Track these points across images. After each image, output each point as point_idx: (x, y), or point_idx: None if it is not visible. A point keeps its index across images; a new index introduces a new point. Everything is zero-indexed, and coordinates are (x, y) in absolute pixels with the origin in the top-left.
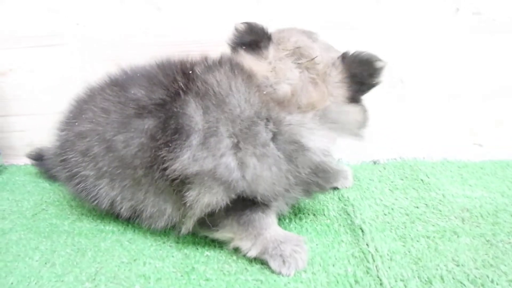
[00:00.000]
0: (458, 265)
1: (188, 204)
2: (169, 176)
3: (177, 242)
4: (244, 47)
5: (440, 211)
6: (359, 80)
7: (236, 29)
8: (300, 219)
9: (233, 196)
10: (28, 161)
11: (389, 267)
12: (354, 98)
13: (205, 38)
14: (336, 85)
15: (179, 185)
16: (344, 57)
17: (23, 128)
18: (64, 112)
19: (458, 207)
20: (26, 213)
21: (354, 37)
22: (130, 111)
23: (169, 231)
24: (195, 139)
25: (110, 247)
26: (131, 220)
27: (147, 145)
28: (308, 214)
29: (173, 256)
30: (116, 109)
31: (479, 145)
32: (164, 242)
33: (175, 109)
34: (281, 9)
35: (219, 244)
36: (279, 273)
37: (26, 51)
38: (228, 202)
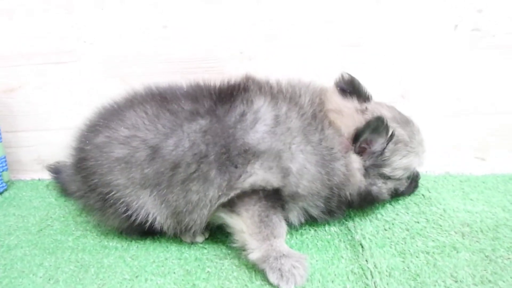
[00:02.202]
0: (456, 281)
1: (242, 176)
2: (236, 150)
3: (179, 259)
4: (338, 87)
5: (441, 226)
6: (360, 130)
7: (342, 76)
8: (301, 234)
9: (280, 184)
10: (35, 176)
11: (387, 284)
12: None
13: (211, 55)
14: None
15: (245, 158)
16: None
17: (31, 143)
18: (92, 119)
19: (458, 222)
20: (31, 228)
21: (358, 54)
22: (180, 118)
23: (171, 248)
24: (261, 127)
25: (113, 264)
26: (166, 228)
27: (200, 139)
28: (310, 230)
29: (174, 273)
30: (164, 116)
31: (482, 159)
32: (166, 259)
33: (237, 102)
34: (280, 9)
35: (220, 261)
36: (278, 286)
37: (34, 68)
38: (272, 188)
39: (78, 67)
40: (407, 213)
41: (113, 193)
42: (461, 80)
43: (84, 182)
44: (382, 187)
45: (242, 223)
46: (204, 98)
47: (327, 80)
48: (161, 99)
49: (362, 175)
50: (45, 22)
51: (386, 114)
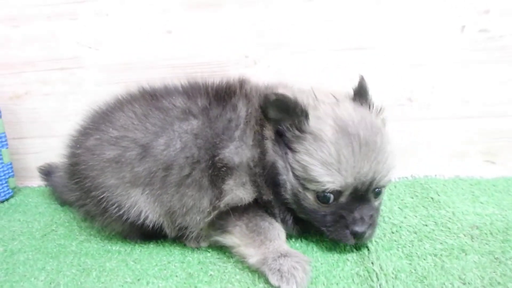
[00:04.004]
0: (464, 283)
1: (222, 193)
2: (216, 166)
3: (182, 262)
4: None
5: (449, 228)
6: (262, 104)
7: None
8: (306, 238)
9: (254, 196)
10: (42, 183)
11: (393, 286)
12: None
13: (216, 59)
14: None
15: (222, 175)
16: None
17: (38, 150)
18: (85, 122)
19: (467, 225)
20: (35, 234)
21: (364, 57)
22: (171, 115)
23: (174, 252)
24: (237, 132)
25: (115, 267)
26: (156, 227)
27: (192, 142)
28: (315, 233)
29: (177, 276)
30: (154, 115)
31: (492, 163)
32: (169, 262)
33: (227, 108)
34: (286, 13)
35: (223, 264)
36: None
37: (39, 75)
38: (248, 202)
39: (83, 73)
40: (415, 216)
41: (105, 194)
42: (469, 82)
43: (79, 188)
44: (288, 173)
45: (235, 239)
46: (199, 95)
47: (333, 83)
48: (151, 97)
49: (272, 144)
50: (49, 28)
51: (339, 114)
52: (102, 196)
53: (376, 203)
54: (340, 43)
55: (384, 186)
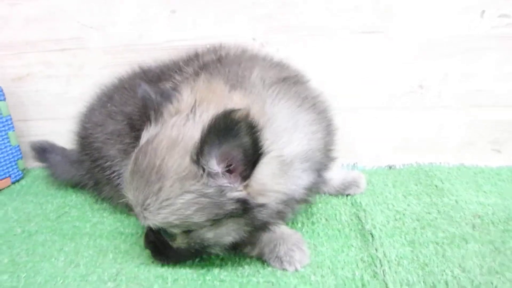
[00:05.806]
0: (464, 271)
1: None
2: None
3: None
4: None
5: (452, 217)
6: None
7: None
8: (313, 223)
9: None
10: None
11: (395, 272)
12: None
13: (222, 41)
14: None
15: None
16: None
17: (43, 132)
18: (92, 100)
19: (470, 214)
20: (50, 215)
21: (375, 41)
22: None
23: None
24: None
25: (130, 249)
26: None
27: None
28: (321, 219)
29: None
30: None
31: (497, 151)
32: None
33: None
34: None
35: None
36: (284, 270)
37: (41, 56)
38: None
39: (85, 54)
40: (419, 204)
41: (108, 163)
42: (484, 70)
43: (89, 158)
44: None
45: None
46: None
47: (343, 68)
48: (143, 73)
49: None
50: (49, 7)
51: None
52: (105, 164)
53: (173, 243)
54: (351, 27)
55: (160, 227)
